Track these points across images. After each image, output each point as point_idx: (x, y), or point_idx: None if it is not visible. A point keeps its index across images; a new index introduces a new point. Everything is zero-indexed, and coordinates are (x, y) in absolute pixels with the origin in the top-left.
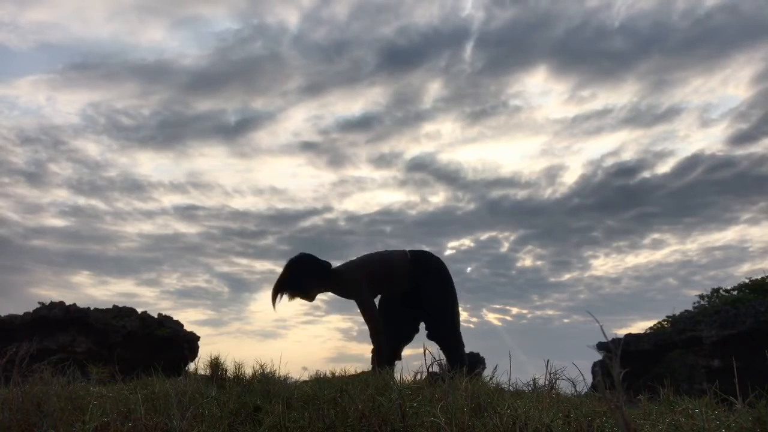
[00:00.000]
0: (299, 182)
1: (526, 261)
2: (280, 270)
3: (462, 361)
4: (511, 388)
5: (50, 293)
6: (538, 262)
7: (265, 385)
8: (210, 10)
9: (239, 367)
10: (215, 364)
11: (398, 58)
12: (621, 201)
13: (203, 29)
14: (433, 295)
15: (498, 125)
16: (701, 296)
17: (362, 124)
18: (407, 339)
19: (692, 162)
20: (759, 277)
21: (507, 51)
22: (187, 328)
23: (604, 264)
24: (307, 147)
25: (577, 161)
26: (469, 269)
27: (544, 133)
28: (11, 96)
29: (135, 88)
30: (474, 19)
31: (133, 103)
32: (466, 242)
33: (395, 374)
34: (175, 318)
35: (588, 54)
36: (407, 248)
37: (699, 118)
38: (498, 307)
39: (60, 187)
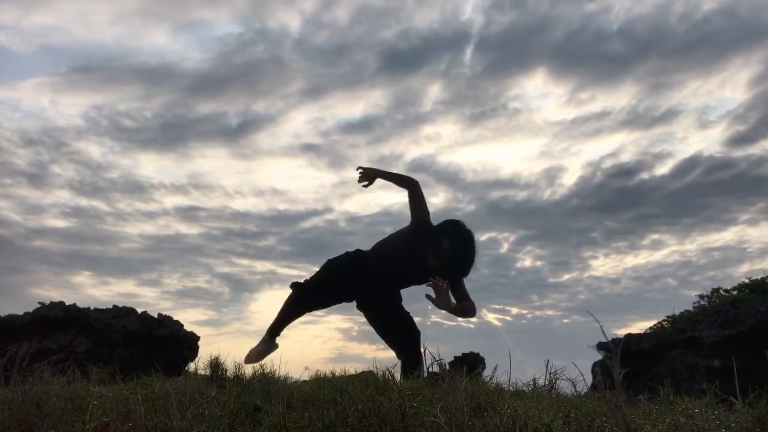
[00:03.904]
0: (300, 183)
1: (526, 261)
2: (280, 270)
3: None
4: (511, 388)
5: (51, 293)
6: (538, 263)
7: (265, 385)
8: (212, 14)
9: (239, 367)
10: (215, 364)
11: (399, 62)
12: (620, 202)
13: (206, 33)
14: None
15: (497, 127)
16: (701, 296)
17: (363, 126)
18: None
19: (691, 163)
20: (759, 277)
21: (506, 54)
22: (188, 328)
23: (603, 264)
24: (308, 149)
25: (576, 163)
26: None
27: (543, 135)
28: (14, 98)
29: (137, 91)
30: (474, 23)
31: (135, 106)
32: None
33: (395, 374)
34: (175, 318)
35: (587, 57)
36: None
37: (697, 120)
38: (498, 307)
39: (62, 188)
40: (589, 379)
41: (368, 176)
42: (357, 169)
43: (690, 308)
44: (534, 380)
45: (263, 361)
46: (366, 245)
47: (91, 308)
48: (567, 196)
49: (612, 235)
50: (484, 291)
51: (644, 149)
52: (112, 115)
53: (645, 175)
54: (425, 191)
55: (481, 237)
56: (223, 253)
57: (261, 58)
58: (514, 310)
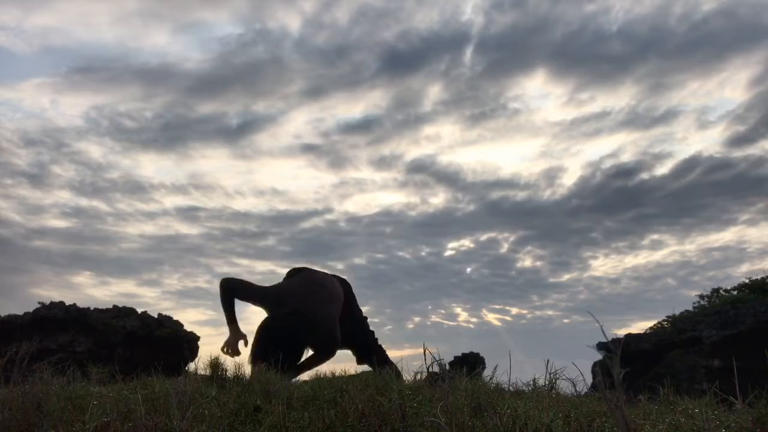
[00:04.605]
0: (300, 184)
1: (526, 261)
2: (280, 270)
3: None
4: (511, 388)
5: (51, 293)
6: (538, 263)
7: (265, 385)
8: (213, 15)
9: (239, 367)
10: (215, 364)
11: (399, 62)
12: (620, 202)
13: (206, 34)
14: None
15: (497, 128)
16: (701, 296)
17: (363, 126)
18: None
19: (690, 164)
20: (759, 277)
21: (506, 55)
22: (188, 328)
23: (603, 264)
24: (308, 149)
25: (576, 163)
26: (468, 270)
27: (543, 136)
28: (15, 99)
29: (138, 91)
30: (474, 24)
31: (136, 106)
32: (466, 243)
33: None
34: (175, 318)
35: (586, 57)
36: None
37: (696, 121)
38: (498, 307)
39: (62, 188)
40: (589, 379)
41: None
42: None
43: (690, 308)
44: (534, 380)
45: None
46: (366, 245)
47: (91, 308)
48: (567, 196)
49: (612, 235)
50: (484, 291)
51: (644, 149)
52: (113, 115)
53: (645, 176)
54: (425, 192)
55: (481, 237)
56: (223, 253)
57: (261, 58)
58: (514, 311)
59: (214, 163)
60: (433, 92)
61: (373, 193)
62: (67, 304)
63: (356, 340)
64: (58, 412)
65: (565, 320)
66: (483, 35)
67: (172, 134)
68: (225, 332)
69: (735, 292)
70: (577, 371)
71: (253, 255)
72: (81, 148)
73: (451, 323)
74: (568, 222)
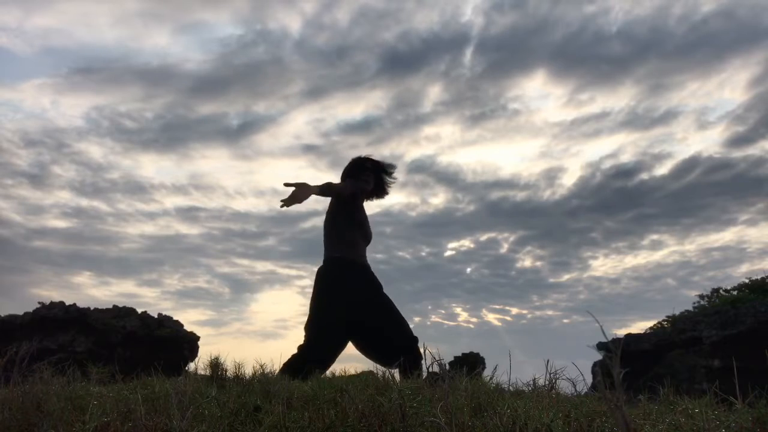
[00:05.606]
0: None
1: (526, 262)
2: (280, 270)
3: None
4: (511, 388)
5: (51, 293)
6: (538, 263)
7: (265, 385)
8: (213, 16)
9: (239, 367)
10: (215, 364)
11: (399, 63)
12: (619, 202)
13: (207, 35)
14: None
15: (497, 128)
16: (701, 296)
17: (363, 127)
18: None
19: (690, 164)
20: (759, 277)
21: (506, 56)
22: (188, 328)
23: (603, 264)
24: (309, 149)
25: (576, 163)
26: (468, 270)
27: (543, 136)
28: (16, 99)
29: (138, 92)
30: (474, 25)
31: (136, 107)
32: (466, 243)
33: (395, 374)
34: (175, 318)
35: (586, 58)
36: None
37: (696, 121)
38: (498, 307)
39: (63, 188)
40: (589, 379)
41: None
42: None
43: (690, 308)
44: (534, 380)
45: (263, 361)
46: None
47: (91, 308)
48: (567, 197)
49: (612, 236)
50: (484, 291)
51: (644, 150)
52: (113, 116)
53: (644, 176)
54: (425, 192)
55: (481, 237)
56: (223, 253)
57: (261, 59)
58: (514, 311)
59: (214, 163)
60: (433, 93)
61: None
62: (67, 304)
63: None
64: (58, 412)
65: (565, 320)
66: (483, 36)
67: (172, 135)
68: (224, 333)
69: (735, 292)
70: (577, 371)
71: (253, 255)
72: (81, 149)
73: (451, 323)
74: (568, 222)
